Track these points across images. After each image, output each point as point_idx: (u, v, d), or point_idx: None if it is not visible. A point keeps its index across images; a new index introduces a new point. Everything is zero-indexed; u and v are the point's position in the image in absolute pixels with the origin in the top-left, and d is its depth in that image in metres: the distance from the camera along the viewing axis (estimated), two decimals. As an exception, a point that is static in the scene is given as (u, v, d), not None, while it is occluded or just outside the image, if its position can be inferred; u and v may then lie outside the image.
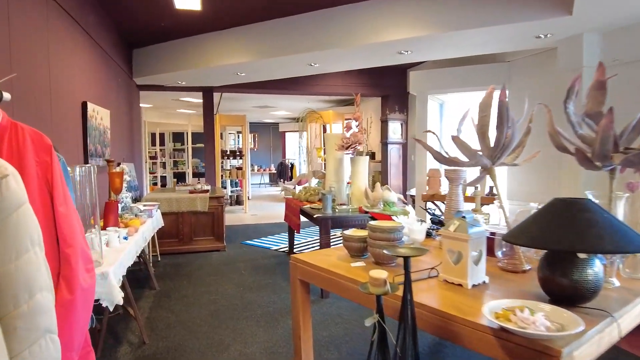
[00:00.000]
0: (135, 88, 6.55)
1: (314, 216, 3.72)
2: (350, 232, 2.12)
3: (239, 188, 13.35)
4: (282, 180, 15.33)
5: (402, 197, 4.06)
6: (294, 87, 7.20)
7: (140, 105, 8.95)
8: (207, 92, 7.02)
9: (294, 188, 12.03)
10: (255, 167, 16.42)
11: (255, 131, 16.62)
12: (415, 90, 6.29)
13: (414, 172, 7.68)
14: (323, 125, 10.64)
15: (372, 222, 1.99)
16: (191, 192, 5.64)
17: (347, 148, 4.11)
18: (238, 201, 10.50)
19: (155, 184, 12.57)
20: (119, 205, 3.83)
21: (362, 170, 4.22)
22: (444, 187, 5.58)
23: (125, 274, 2.65)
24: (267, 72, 5.81)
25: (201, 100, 7.13)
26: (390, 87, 7.78)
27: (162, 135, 14.72)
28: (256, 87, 6.98)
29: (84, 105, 3.60)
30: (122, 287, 2.75)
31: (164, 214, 5.22)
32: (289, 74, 5.97)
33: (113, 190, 3.35)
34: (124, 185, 3.83)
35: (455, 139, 1.98)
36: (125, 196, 3.85)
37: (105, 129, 4.29)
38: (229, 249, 5.61)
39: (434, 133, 2.25)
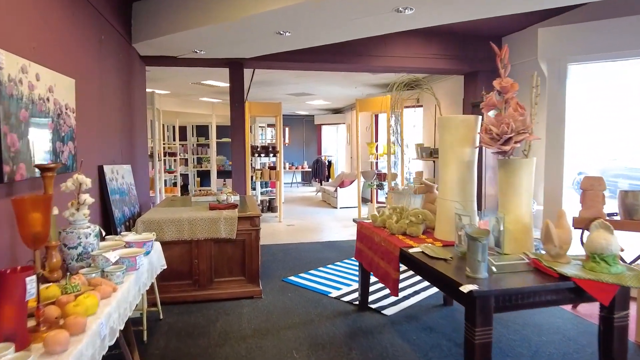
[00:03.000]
0: (138, 59, 4.77)
1: (463, 289, 1.77)
2: None
3: (269, 188, 11.61)
4: (317, 179, 13.46)
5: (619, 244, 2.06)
6: (351, 59, 5.27)
7: (155, 91, 7.24)
8: (236, 67, 5.18)
9: (335, 190, 10.13)
10: (287, 165, 14.62)
11: (287, 124, 14.80)
12: (546, 56, 4.23)
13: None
14: (375, 115, 8.68)
15: None
16: (212, 207, 3.80)
17: (504, 143, 2.14)
18: (270, 207, 8.70)
19: (175, 184, 10.93)
20: (73, 251, 2.01)
21: (526, 184, 2.25)
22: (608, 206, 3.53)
23: None
24: (325, 28, 3.89)
25: (227, 85, 5.32)
26: (480, 61, 5.73)
27: (183, 129, 13.12)
28: (301, 60, 5.09)
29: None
30: None
31: (170, 244, 3.42)
32: (358, 31, 4.02)
33: (25, 240, 1.50)
34: (75, 215, 2.01)
35: None
36: (85, 233, 2.03)
37: (63, 110, 2.48)
38: (266, 294, 3.75)
39: None
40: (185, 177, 13.23)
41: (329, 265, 4.62)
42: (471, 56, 5.69)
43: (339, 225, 7.56)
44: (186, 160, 13.02)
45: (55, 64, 2.43)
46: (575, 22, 4.31)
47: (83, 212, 2.06)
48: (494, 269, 1.96)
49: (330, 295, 3.71)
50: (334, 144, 14.78)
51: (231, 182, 5.76)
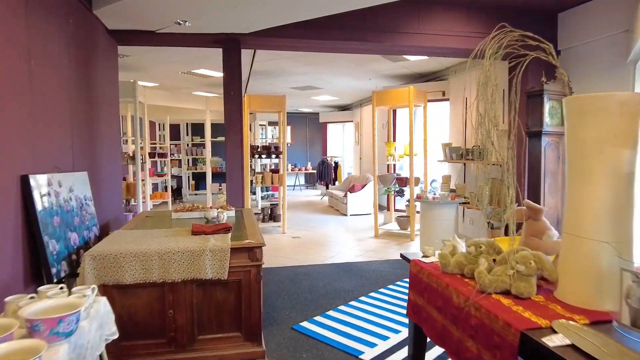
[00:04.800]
0: (104, 34, 3.69)
1: None
2: None
3: (271, 192, 10.56)
4: (322, 182, 12.38)
5: None
6: (376, 37, 4.19)
7: (138, 82, 6.17)
8: (231, 46, 4.10)
9: (345, 195, 9.05)
10: (289, 166, 13.53)
11: (289, 122, 13.73)
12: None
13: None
14: (394, 110, 7.60)
15: None
16: (196, 231, 2.73)
17: None
18: (272, 215, 7.61)
19: (166, 188, 9.86)
20: None
21: None
22: None
23: None
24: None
25: (222, 75, 4.24)
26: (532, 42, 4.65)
27: (176, 127, 12.07)
28: (315, 37, 4.01)
29: None
30: None
31: (133, 289, 2.37)
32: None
33: None
34: None
35: None
36: None
37: None
38: (271, 354, 2.68)
39: None
40: (179, 179, 12.17)
41: (352, 303, 3.53)
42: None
43: (351, 237, 6.51)
44: (180, 161, 11.97)
45: None
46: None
47: None
48: None
49: (362, 357, 2.63)
50: (340, 143, 13.72)
51: (225, 189, 4.70)
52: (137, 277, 2.38)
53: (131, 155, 6.21)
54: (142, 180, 6.65)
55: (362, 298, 3.64)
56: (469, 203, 5.54)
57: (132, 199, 6.30)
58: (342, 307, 3.42)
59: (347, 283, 4.06)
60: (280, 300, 3.61)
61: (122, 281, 2.35)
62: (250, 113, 7.93)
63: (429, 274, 1.96)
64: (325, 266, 4.70)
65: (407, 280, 4.13)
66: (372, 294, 3.73)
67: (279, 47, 4.37)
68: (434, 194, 5.39)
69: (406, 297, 3.64)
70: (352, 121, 12.07)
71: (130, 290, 2.41)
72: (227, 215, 3.32)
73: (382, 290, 3.83)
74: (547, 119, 4.21)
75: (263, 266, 2.60)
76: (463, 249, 2.16)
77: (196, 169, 11.82)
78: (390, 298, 3.64)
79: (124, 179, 7.21)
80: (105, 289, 2.36)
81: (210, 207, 3.36)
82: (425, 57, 6.01)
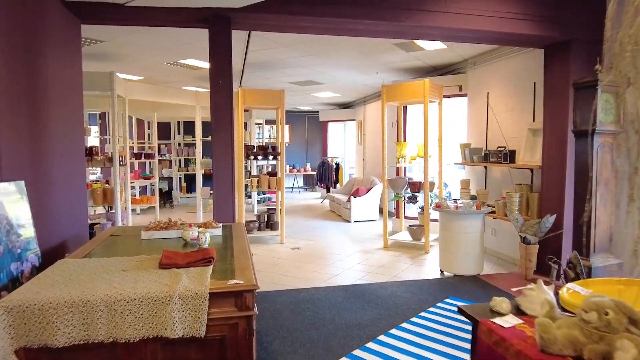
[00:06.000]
0: (59, 7, 2.95)
1: None
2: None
3: (268, 195, 9.85)
4: (322, 184, 11.65)
5: None
6: (396, 15, 3.46)
7: (117, 74, 5.43)
8: (219, 25, 3.36)
9: (348, 200, 8.30)
10: (287, 167, 12.80)
11: (287, 121, 12.99)
12: None
13: (625, 191, 3.84)
14: (404, 107, 6.87)
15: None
16: (165, 263, 2.01)
17: None
18: (269, 223, 6.88)
19: (154, 192, 9.10)
20: None
21: None
22: None
23: None
24: None
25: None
26: (578, 26, 3.96)
27: (167, 126, 11.32)
28: (323, 13, 3.29)
29: None
30: None
31: (72, 351, 1.61)
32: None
33: None
34: None
35: None
36: None
37: None
38: None
39: None
40: (170, 181, 11.42)
41: (369, 345, 2.80)
42: (566, 19, 3.92)
43: (358, 249, 5.81)
44: (170, 162, 11.23)
45: None
46: None
47: None
48: None
49: None
50: (342, 143, 13.00)
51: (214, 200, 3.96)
52: (74, 337, 1.65)
53: (109, 156, 5.47)
54: (125, 183, 5.91)
55: (381, 337, 2.91)
56: (495, 212, 4.85)
57: (111, 208, 5.56)
58: (357, 352, 2.69)
59: (360, 314, 3.34)
60: (279, 340, 2.88)
61: (53, 343, 1.62)
62: (245, 110, 7.21)
63: (518, 352, 1.23)
64: (332, 289, 3.98)
65: (433, 310, 3.43)
66: (393, 332, 3.00)
67: (277, 28, 3.63)
68: (455, 202, 4.68)
69: (439, 337, 2.93)
70: (354, 120, 11.36)
71: (67, 354, 1.67)
72: (212, 235, 2.59)
73: (404, 325, 3.11)
74: (600, 115, 3.50)
75: (258, 290, 1.87)
76: (554, 302, 1.45)
77: (188, 171, 11.10)
78: (416, 337, 2.92)
79: (107, 182, 6.47)
80: (28, 355, 1.64)
81: (190, 225, 2.63)
82: (443, 47, 5.31)
